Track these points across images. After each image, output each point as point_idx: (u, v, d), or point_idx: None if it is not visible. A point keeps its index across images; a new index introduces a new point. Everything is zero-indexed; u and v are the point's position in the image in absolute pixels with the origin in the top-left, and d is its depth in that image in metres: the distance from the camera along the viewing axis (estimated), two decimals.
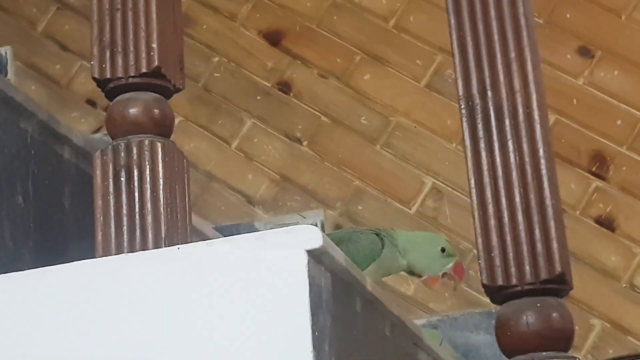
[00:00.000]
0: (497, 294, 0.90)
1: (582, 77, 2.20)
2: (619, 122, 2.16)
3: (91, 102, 2.36)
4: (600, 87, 2.19)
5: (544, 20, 2.22)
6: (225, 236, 1.67)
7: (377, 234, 1.50)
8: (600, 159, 2.15)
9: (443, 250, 1.52)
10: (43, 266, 0.93)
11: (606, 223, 2.11)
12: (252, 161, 2.27)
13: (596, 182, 2.14)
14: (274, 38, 2.34)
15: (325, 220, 2.08)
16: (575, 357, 0.88)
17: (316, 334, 0.85)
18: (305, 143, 2.26)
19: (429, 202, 2.18)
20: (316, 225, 1.99)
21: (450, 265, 1.51)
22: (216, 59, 2.34)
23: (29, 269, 0.95)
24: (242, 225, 2.05)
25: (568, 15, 2.24)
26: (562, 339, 0.88)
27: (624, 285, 2.08)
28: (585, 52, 2.21)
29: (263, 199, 2.24)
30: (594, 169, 2.15)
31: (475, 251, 2.12)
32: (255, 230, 1.97)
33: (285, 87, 2.31)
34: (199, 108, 2.29)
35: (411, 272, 1.52)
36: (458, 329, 1.90)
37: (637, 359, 0.83)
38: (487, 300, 2.11)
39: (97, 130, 2.29)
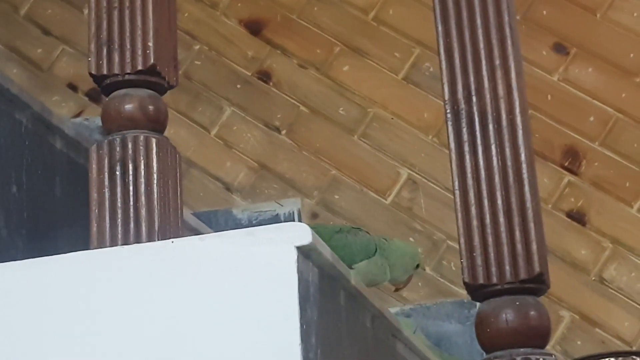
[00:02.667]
0: (478, 292, 0.93)
1: (557, 73, 2.24)
2: (591, 118, 2.20)
3: (72, 87, 2.37)
4: (574, 83, 2.23)
5: (520, 16, 2.25)
6: (203, 221, 1.70)
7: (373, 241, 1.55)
8: (572, 154, 2.19)
9: (417, 267, 1.57)
10: (36, 253, 0.96)
11: (577, 217, 2.15)
12: (231, 149, 2.29)
13: (568, 177, 2.18)
14: (254, 27, 2.36)
15: (302, 209, 2.10)
16: (551, 354, 0.91)
17: (304, 327, 0.88)
18: (283, 132, 2.29)
19: (404, 193, 2.21)
20: (293, 213, 2.02)
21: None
22: (197, 47, 2.36)
23: (22, 256, 0.98)
24: (220, 212, 2.07)
25: (544, 12, 2.27)
26: (539, 336, 0.91)
27: (593, 279, 2.12)
28: (560, 48, 2.25)
29: (241, 186, 2.27)
30: (566, 164, 2.18)
31: (449, 242, 2.16)
32: (233, 216, 2.00)
33: (265, 76, 2.33)
34: (179, 95, 2.31)
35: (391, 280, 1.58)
36: (430, 318, 1.93)
37: (608, 357, 0.86)
38: (459, 290, 2.16)
39: (77, 115, 2.31)
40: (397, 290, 1.63)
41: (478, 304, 0.96)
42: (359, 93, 2.29)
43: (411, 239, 2.17)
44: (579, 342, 2.06)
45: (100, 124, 1.97)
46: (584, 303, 2.09)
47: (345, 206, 2.22)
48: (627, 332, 2.05)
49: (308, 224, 1.61)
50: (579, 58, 2.24)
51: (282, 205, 2.12)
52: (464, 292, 2.12)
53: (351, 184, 2.23)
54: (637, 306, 2.08)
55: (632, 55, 2.21)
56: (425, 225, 2.18)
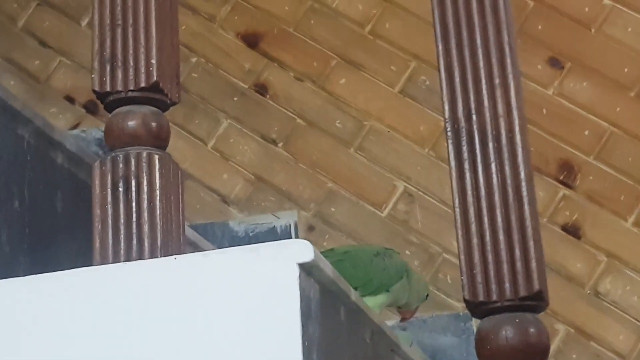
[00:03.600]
0: (478, 309, 0.94)
1: (552, 87, 2.25)
2: (586, 132, 2.21)
3: (69, 99, 2.38)
4: (569, 97, 2.24)
5: (515, 30, 2.26)
6: (199, 234, 1.70)
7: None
8: (567, 167, 2.20)
9: (427, 296, 1.59)
10: (38, 269, 0.97)
11: (572, 230, 2.16)
12: (228, 161, 2.30)
13: (563, 191, 2.19)
14: (251, 40, 2.37)
15: (298, 221, 2.11)
16: None
17: (306, 343, 0.89)
18: (280, 144, 2.30)
19: (400, 206, 2.22)
20: (289, 226, 2.03)
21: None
22: (194, 60, 2.37)
23: (24, 272, 0.98)
24: (216, 224, 2.07)
25: (539, 27, 2.29)
26: (539, 353, 0.92)
27: (588, 292, 2.13)
28: (555, 63, 2.26)
29: (238, 199, 2.27)
30: (561, 178, 2.19)
31: (444, 255, 2.17)
32: (230, 229, 2.01)
33: (261, 88, 2.34)
34: (176, 107, 2.29)
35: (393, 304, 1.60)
36: (426, 331, 1.94)
37: None
38: (455, 303, 2.17)
39: (74, 127, 2.32)
40: (403, 319, 1.64)
41: (474, 318, 0.97)
42: (355, 106, 2.30)
43: (407, 252, 2.18)
44: (574, 356, 2.07)
45: (97, 135, 1.97)
46: (579, 316, 2.10)
47: (342, 219, 2.23)
48: (622, 346, 2.06)
49: (344, 248, 1.65)
50: (574, 72, 2.25)
51: (278, 218, 2.13)
52: (460, 305, 2.14)
53: (347, 197, 2.24)
54: (632, 320, 2.09)
55: (626, 69, 2.23)
56: (422, 238, 2.19)
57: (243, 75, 2.35)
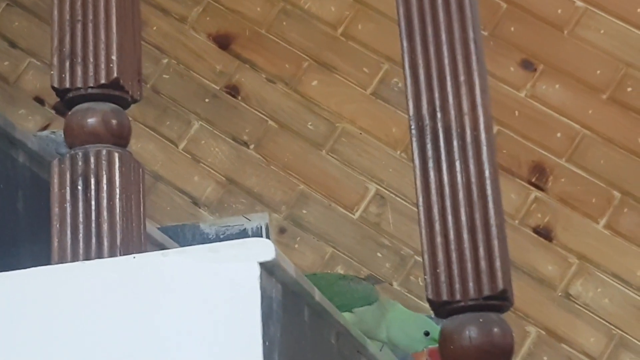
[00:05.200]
0: (442, 308, 0.93)
1: (524, 89, 2.25)
2: (559, 134, 2.21)
3: (39, 100, 2.36)
4: (541, 99, 2.24)
5: (488, 32, 2.26)
6: (170, 236, 1.69)
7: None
8: (539, 170, 2.19)
9: (427, 333, 1.56)
10: None
11: (544, 233, 2.16)
12: (199, 163, 2.29)
13: (535, 193, 2.18)
14: (223, 42, 2.36)
15: (270, 223, 2.10)
16: None
17: (267, 343, 0.88)
18: (252, 146, 2.29)
19: (372, 208, 2.21)
20: (260, 228, 2.02)
21: (430, 347, 1.55)
22: (165, 61, 2.36)
23: None
24: (187, 226, 2.06)
25: (512, 29, 2.28)
26: (503, 354, 0.91)
27: (559, 294, 2.12)
28: (528, 65, 2.26)
29: (209, 201, 2.26)
30: (533, 180, 2.19)
31: (416, 258, 2.16)
32: (201, 231, 1.99)
33: (233, 90, 2.33)
34: (147, 109, 2.30)
35: (395, 346, 1.57)
36: None
37: None
38: (426, 305, 2.15)
39: (44, 128, 2.30)
40: (418, 358, 1.60)
41: (437, 317, 0.95)
42: (327, 108, 2.29)
43: (379, 254, 2.17)
44: (545, 358, 2.06)
45: None
46: (550, 318, 2.09)
47: (313, 221, 2.22)
48: (593, 348, 2.06)
49: (312, 274, 1.64)
50: (546, 74, 2.25)
51: (249, 220, 2.11)
52: None
53: (319, 199, 2.23)
54: (603, 322, 2.09)
55: (599, 72, 2.22)
56: (393, 240, 2.18)
57: (214, 76, 2.34)
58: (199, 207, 2.26)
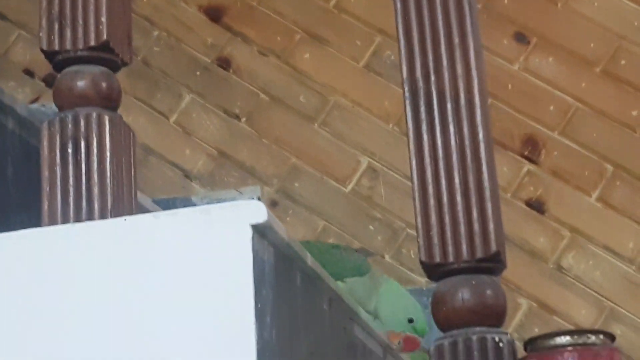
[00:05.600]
0: (434, 271, 0.92)
1: (517, 62, 2.24)
2: (551, 107, 2.21)
3: (29, 72, 2.34)
4: (534, 73, 2.23)
5: (482, 5, 2.25)
6: (162, 210, 1.68)
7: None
8: (532, 143, 2.19)
9: (411, 320, 1.54)
10: None
11: (536, 206, 2.16)
12: (190, 136, 2.28)
13: (528, 166, 2.18)
14: (214, 14, 2.35)
15: (261, 197, 2.10)
16: (506, 332, 0.91)
17: (259, 306, 0.87)
18: (243, 120, 2.28)
19: (364, 181, 2.21)
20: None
21: (408, 333, 1.54)
22: (156, 33, 2.34)
23: None
24: (178, 199, 2.06)
25: (505, 1, 2.27)
26: (495, 315, 0.91)
27: (551, 267, 2.12)
28: (521, 38, 2.25)
29: (200, 174, 2.25)
30: (526, 153, 2.19)
31: (408, 230, 2.16)
32: (192, 204, 1.98)
33: (224, 63, 2.32)
34: (138, 82, 2.29)
35: (376, 318, 1.56)
36: None
37: (564, 335, 0.86)
38: (418, 277, 2.16)
39: (34, 101, 2.28)
40: (392, 338, 1.58)
41: (430, 280, 0.95)
42: (319, 81, 2.28)
43: (371, 227, 2.17)
44: (536, 330, 2.06)
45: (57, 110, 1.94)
46: (542, 291, 2.10)
47: (305, 194, 2.21)
48: (584, 320, 2.06)
49: (304, 242, 1.63)
50: (540, 48, 2.24)
51: (241, 193, 2.11)
52: (423, 279, 2.13)
53: (311, 172, 2.23)
54: (595, 294, 2.09)
55: (592, 45, 2.22)
56: (385, 213, 2.18)
57: (206, 49, 2.33)
58: (191, 181, 2.25)
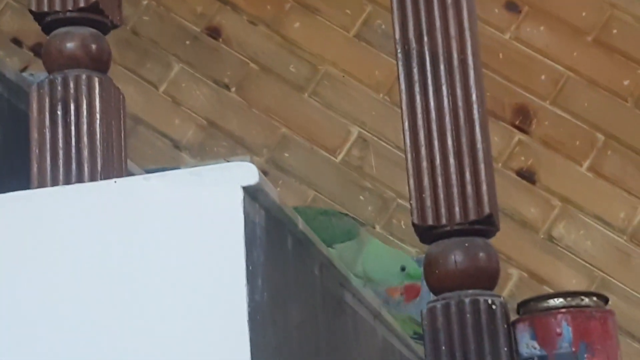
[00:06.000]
0: (427, 233, 0.92)
1: (508, 31, 2.23)
2: (543, 77, 2.20)
3: (17, 41, 2.33)
4: (526, 42, 2.22)
5: None
6: None
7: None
8: (523, 113, 2.18)
9: (403, 268, 1.53)
10: None
11: (527, 176, 2.15)
12: (180, 106, 2.27)
13: (519, 136, 2.17)
14: None
15: None
16: (499, 295, 0.90)
17: (250, 268, 0.86)
18: (233, 89, 2.27)
19: (354, 152, 2.20)
20: None
21: (407, 282, 1.53)
22: (145, 2, 2.33)
23: None
24: (168, 170, 2.04)
25: None
26: (488, 278, 0.90)
27: (542, 237, 2.12)
28: (512, 7, 2.24)
29: (190, 144, 2.24)
30: (517, 123, 2.18)
31: (399, 201, 2.15)
32: None
33: (214, 32, 2.30)
34: (127, 51, 2.28)
35: (369, 280, 1.55)
36: None
37: (557, 297, 0.85)
38: (409, 248, 2.15)
39: (23, 70, 2.27)
40: (392, 293, 1.56)
41: (422, 243, 0.94)
42: (309, 50, 2.27)
43: (361, 197, 2.16)
44: None
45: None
46: (533, 261, 2.09)
47: (295, 164, 2.20)
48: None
49: (294, 207, 1.61)
50: (531, 16, 2.23)
51: None
52: (413, 250, 2.12)
53: (301, 142, 2.22)
54: (585, 264, 2.09)
55: (584, 14, 2.21)
56: (376, 183, 2.17)
57: (195, 18, 2.31)
58: (180, 151, 2.24)
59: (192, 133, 2.24)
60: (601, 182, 2.13)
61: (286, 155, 2.21)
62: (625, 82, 2.17)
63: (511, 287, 2.08)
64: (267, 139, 2.22)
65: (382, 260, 1.54)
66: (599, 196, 2.11)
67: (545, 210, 2.12)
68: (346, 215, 1.58)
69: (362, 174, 2.18)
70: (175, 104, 2.27)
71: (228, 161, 2.07)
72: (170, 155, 2.23)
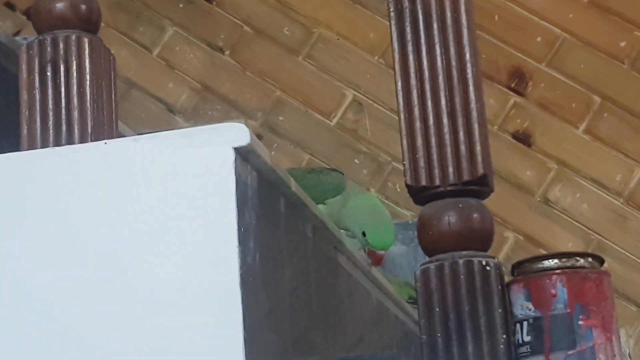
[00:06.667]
0: (420, 194, 0.91)
1: None
2: (538, 39, 2.19)
3: (10, 5, 2.31)
4: (521, 3, 2.20)
5: None
6: None
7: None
8: (519, 75, 2.17)
9: (364, 234, 1.50)
10: None
11: (523, 138, 2.14)
12: (173, 69, 2.25)
13: (514, 98, 2.16)
14: None
15: None
16: (494, 257, 0.90)
17: (242, 230, 0.86)
18: (227, 52, 2.25)
19: (349, 115, 2.19)
20: None
21: (369, 248, 1.50)
22: None
23: None
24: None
25: None
26: (482, 239, 0.90)
27: (537, 200, 2.12)
28: None
29: (183, 108, 2.23)
30: (512, 85, 2.17)
31: (394, 164, 2.14)
32: None
33: None
34: (120, 15, 2.26)
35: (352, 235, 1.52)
36: None
37: (552, 258, 0.85)
38: (403, 211, 2.14)
39: (16, 34, 2.25)
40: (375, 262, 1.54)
41: (416, 204, 0.93)
42: (303, 13, 2.25)
43: (356, 160, 2.15)
44: None
45: None
46: (528, 224, 2.09)
47: (290, 128, 2.19)
48: None
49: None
50: None
51: None
52: (408, 213, 2.12)
53: (296, 106, 2.20)
54: (581, 227, 2.09)
55: None
56: (370, 147, 2.16)
57: None
58: (174, 114, 2.23)
59: (185, 97, 2.23)
60: (597, 145, 2.12)
61: (281, 118, 2.20)
62: (622, 44, 2.16)
63: (507, 251, 2.08)
64: (261, 102, 2.21)
65: (356, 219, 1.51)
66: (595, 159, 2.11)
67: (541, 173, 2.11)
68: (334, 170, 1.56)
69: (356, 137, 2.17)
70: (168, 67, 2.25)
71: None
72: (164, 119, 2.22)
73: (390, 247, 1.48)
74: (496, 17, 2.20)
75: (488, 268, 0.88)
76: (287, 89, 2.21)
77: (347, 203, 1.51)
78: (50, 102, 0.95)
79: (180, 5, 2.28)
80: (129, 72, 2.22)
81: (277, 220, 0.97)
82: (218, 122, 2.04)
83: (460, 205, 0.89)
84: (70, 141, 0.94)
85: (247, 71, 2.23)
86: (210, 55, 2.24)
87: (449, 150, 0.90)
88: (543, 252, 2.07)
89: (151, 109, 2.23)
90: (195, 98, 2.22)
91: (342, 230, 1.47)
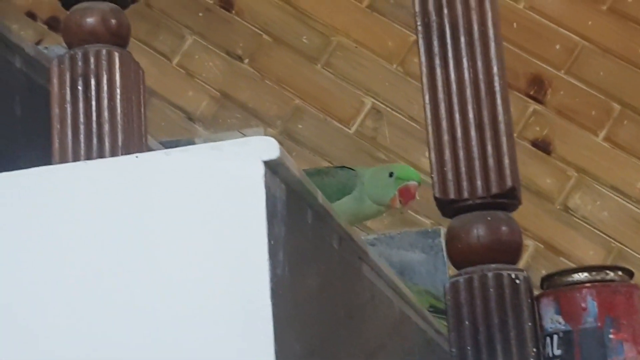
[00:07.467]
0: (449, 207, 0.92)
1: (522, 0, 2.22)
2: (557, 46, 2.19)
3: (31, 15, 2.32)
4: (540, 11, 2.21)
5: None
6: None
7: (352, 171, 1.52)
8: (538, 82, 2.17)
9: (391, 174, 1.51)
10: None
11: (542, 146, 2.14)
12: (193, 78, 2.26)
13: (534, 106, 2.17)
14: None
15: None
16: (522, 270, 0.90)
17: (272, 242, 0.86)
18: (246, 61, 2.26)
19: (368, 122, 2.20)
20: None
21: (399, 186, 1.50)
22: None
23: None
24: (181, 141, 2.05)
25: None
26: (510, 252, 0.90)
27: (557, 207, 2.12)
28: None
29: (203, 116, 2.24)
30: (532, 93, 2.17)
31: None
32: None
33: (226, 4, 2.29)
34: (140, 23, 2.27)
35: (380, 205, 1.52)
36: (394, 247, 1.92)
37: (582, 272, 0.85)
38: (423, 219, 2.15)
39: (37, 43, 2.26)
40: (392, 203, 1.51)
41: (442, 231, 0.94)
42: (322, 21, 2.26)
43: None
44: (543, 271, 2.06)
45: (60, 52, 1.93)
46: (549, 232, 2.09)
47: (309, 135, 2.20)
48: (592, 261, 2.05)
49: None
50: None
51: (244, 135, 2.10)
52: (427, 221, 2.12)
53: (314, 113, 2.21)
54: (601, 235, 2.09)
55: None
56: (389, 154, 2.17)
57: None
58: (194, 122, 2.24)
59: (205, 105, 2.24)
60: (617, 152, 2.12)
61: (299, 126, 2.21)
62: None
63: (527, 259, 2.08)
64: (280, 110, 2.22)
65: (374, 178, 1.52)
66: (615, 166, 2.11)
67: (561, 180, 2.12)
68: (342, 168, 1.55)
69: (375, 145, 2.18)
70: (188, 75, 2.26)
71: (242, 133, 2.08)
72: (183, 127, 2.23)
73: (419, 179, 1.48)
74: (515, 24, 2.20)
75: (517, 281, 0.88)
76: (305, 97, 2.22)
77: (364, 184, 1.50)
78: (81, 115, 0.95)
79: (200, 14, 2.29)
80: (149, 81, 2.21)
81: (305, 232, 0.97)
82: (237, 130, 2.05)
83: (488, 218, 0.89)
84: (101, 154, 0.94)
85: (265, 79, 2.24)
86: (229, 64, 2.25)
87: (477, 163, 0.90)
88: (563, 260, 2.07)
89: (171, 117, 2.24)
90: (214, 106, 2.23)
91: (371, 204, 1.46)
